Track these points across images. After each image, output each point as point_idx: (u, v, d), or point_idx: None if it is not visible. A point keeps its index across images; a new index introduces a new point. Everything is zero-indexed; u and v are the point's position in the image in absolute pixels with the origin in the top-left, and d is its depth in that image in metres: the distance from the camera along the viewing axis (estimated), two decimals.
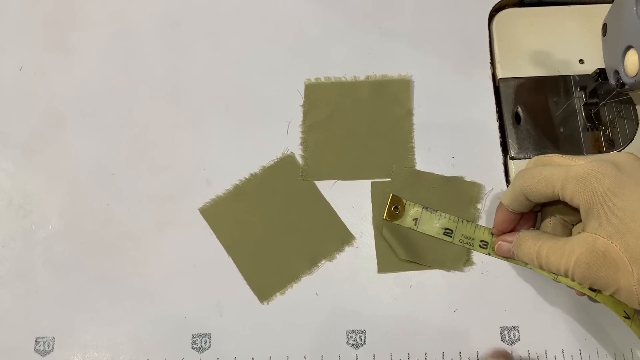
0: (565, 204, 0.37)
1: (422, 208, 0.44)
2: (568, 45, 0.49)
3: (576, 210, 0.36)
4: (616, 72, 0.40)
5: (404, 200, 0.44)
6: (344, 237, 0.44)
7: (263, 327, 0.42)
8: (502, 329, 0.42)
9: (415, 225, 0.44)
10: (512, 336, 0.41)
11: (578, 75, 0.48)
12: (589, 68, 0.47)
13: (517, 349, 0.41)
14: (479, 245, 0.43)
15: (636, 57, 0.37)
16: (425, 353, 0.41)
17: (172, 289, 0.43)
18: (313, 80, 0.48)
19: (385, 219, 0.44)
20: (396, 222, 0.44)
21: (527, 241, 0.39)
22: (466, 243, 0.43)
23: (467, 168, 0.46)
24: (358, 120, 0.47)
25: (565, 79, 0.48)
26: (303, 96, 0.48)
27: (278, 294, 0.43)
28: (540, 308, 0.42)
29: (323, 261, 0.44)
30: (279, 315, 0.42)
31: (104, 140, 0.47)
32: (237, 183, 0.46)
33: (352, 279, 0.43)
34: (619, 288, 0.34)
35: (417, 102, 0.48)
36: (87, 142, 0.47)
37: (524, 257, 0.39)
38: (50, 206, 0.45)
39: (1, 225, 0.45)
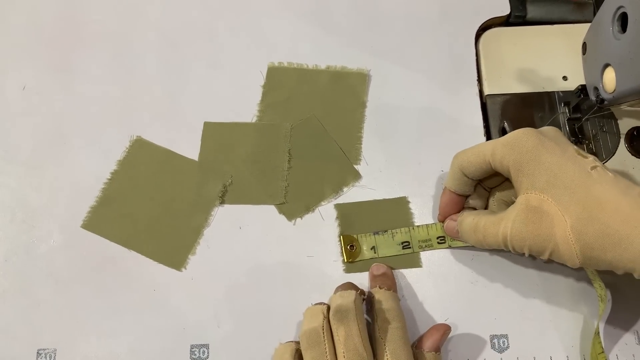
0: (504, 183, 0.41)
1: (373, 234, 0.45)
2: (552, 62, 0.51)
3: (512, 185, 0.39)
4: (596, 89, 0.42)
5: (355, 236, 0.45)
6: (216, 176, 0.47)
7: (260, 337, 0.43)
8: (492, 337, 0.43)
9: (375, 253, 0.44)
10: (501, 344, 0.43)
11: (562, 92, 0.49)
12: (572, 84, 0.49)
13: (507, 357, 0.42)
14: (437, 243, 0.45)
15: (613, 74, 0.39)
16: None
17: (171, 301, 0.44)
18: (276, 64, 0.50)
19: (347, 262, 0.44)
20: (357, 259, 0.44)
21: (468, 217, 0.41)
22: (426, 246, 0.45)
23: None
24: (313, 106, 0.49)
25: (549, 95, 0.50)
26: (265, 77, 0.50)
27: (190, 255, 0.45)
28: (529, 316, 0.43)
29: (215, 208, 0.46)
30: (275, 325, 0.43)
31: (104, 158, 0.48)
32: (103, 186, 0.47)
33: None
34: (557, 244, 0.35)
35: (408, 118, 0.49)
36: (88, 159, 0.48)
37: (466, 234, 0.41)
38: (52, 221, 0.46)
39: (4, 239, 0.46)
